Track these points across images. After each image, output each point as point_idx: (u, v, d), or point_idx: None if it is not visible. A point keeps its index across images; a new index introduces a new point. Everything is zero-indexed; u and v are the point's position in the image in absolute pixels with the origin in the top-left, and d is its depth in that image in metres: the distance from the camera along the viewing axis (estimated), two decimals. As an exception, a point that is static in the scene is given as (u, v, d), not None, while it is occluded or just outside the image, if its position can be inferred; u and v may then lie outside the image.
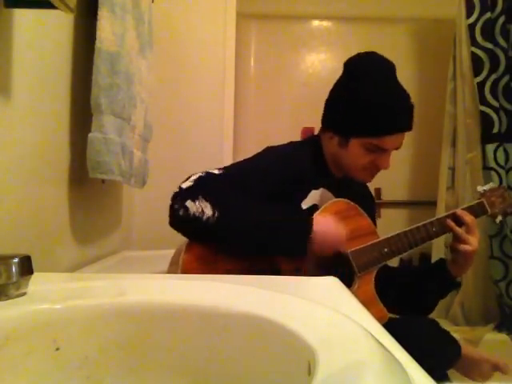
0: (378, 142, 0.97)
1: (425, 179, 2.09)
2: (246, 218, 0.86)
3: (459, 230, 1.00)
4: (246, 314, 0.40)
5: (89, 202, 1.17)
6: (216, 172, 0.91)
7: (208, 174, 0.90)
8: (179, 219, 0.85)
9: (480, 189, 1.14)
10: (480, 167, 1.71)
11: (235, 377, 0.41)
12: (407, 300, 1.11)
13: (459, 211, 1.04)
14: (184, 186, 0.87)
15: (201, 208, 0.83)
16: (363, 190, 1.18)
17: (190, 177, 0.89)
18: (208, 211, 0.82)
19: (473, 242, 0.99)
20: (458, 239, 1.01)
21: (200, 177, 0.89)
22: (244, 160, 0.99)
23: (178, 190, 0.87)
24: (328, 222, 0.91)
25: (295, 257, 0.90)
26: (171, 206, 0.86)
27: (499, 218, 1.13)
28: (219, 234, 0.86)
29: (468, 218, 1.01)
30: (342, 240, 0.91)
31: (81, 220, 1.10)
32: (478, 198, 1.12)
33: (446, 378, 1.02)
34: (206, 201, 0.83)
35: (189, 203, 0.83)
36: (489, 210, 1.10)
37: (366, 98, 0.97)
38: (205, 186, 0.87)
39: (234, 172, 0.93)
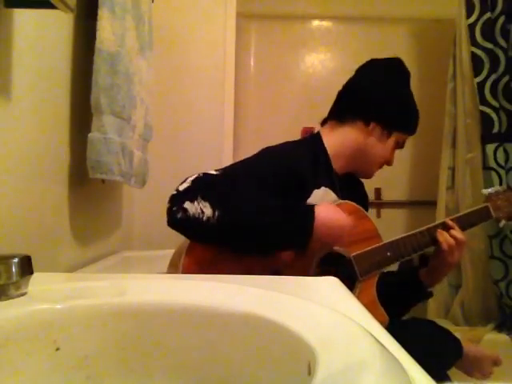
0: (405, 139, 1.10)
1: (425, 179, 2.09)
2: (246, 215, 0.84)
3: (450, 240, 1.01)
4: (246, 314, 0.40)
5: (89, 202, 1.17)
6: (213, 173, 0.90)
7: (205, 175, 0.89)
8: (178, 221, 0.83)
9: (485, 191, 1.12)
10: (480, 167, 1.71)
11: (235, 377, 0.41)
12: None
13: (451, 223, 1.04)
14: (181, 187, 0.85)
15: (200, 208, 0.81)
16: (361, 189, 1.18)
17: (186, 179, 0.88)
18: (208, 211, 0.81)
19: (457, 255, 1.02)
20: (444, 249, 1.01)
21: (197, 177, 0.87)
22: (242, 161, 0.98)
23: (174, 192, 0.86)
24: (331, 211, 0.88)
25: (297, 247, 0.88)
26: (169, 209, 0.84)
27: (503, 222, 1.10)
28: (220, 232, 0.84)
29: (461, 236, 1.02)
30: (345, 229, 0.88)
31: (81, 220, 1.10)
32: (483, 201, 1.10)
33: (447, 378, 1.02)
34: (205, 201, 0.82)
35: (187, 204, 0.82)
36: (493, 214, 1.08)
37: (410, 98, 1.09)
38: (203, 186, 0.86)
39: (231, 173, 0.92)
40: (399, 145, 1.09)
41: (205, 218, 0.81)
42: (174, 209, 0.83)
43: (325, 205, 0.89)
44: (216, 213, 0.81)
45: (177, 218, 0.83)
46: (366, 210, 1.08)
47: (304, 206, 0.90)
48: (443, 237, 1.01)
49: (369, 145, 1.05)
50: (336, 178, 1.04)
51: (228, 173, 0.91)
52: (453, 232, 1.01)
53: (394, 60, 1.11)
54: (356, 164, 1.08)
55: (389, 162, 1.10)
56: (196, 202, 0.82)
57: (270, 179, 0.92)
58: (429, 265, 1.07)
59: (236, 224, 0.84)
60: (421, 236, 1.02)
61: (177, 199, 0.84)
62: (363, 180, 1.19)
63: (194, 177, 0.87)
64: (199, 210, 0.82)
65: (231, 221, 0.83)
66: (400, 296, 1.09)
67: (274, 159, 0.97)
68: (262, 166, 0.96)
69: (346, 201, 0.99)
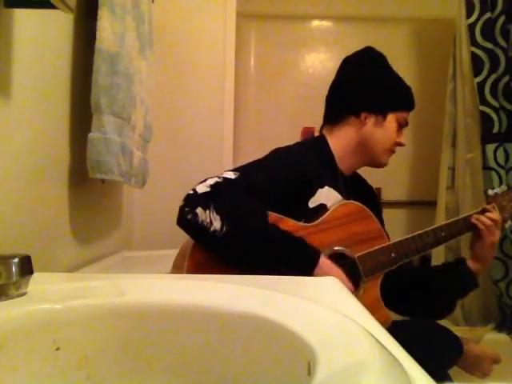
0: (406, 116, 1.08)
1: (425, 179, 2.09)
2: (251, 243, 0.84)
3: (488, 221, 1.03)
4: (246, 314, 0.40)
5: (89, 202, 1.17)
6: (232, 177, 0.89)
7: (225, 181, 0.88)
8: (186, 222, 0.84)
9: (491, 192, 1.12)
10: (480, 167, 1.70)
11: (235, 377, 0.41)
12: (422, 302, 1.11)
13: (489, 207, 1.07)
14: (199, 190, 0.86)
15: (209, 219, 0.82)
16: (368, 190, 1.18)
17: (206, 180, 0.88)
18: (216, 224, 0.82)
19: (497, 234, 1.04)
20: (482, 231, 1.03)
21: (217, 183, 0.87)
22: (256, 162, 0.97)
23: (191, 192, 0.86)
24: (331, 267, 0.88)
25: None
26: (182, 207, 0.85)
27: (509, 223, 1.10)
28: (222, 248, 0.85)
29: (496, 217, 1.04)
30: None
31: (81, 220, 1.10)
32: (487, 202, 1.10)
33: (448, 378, 1.02)
34: (217, 213, 0.82)
35: (199, 210, 0.83)
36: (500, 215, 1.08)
37: (389, 76, 1.09)
38: (220, 195, 0.86)
39: (247, 177, 0.91)
40: (402, 124, 1.07)
41: (212, 229, 0.82)
42: (187, 209, 0.84)
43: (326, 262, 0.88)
44: (224, 229, 0.82)
45: (186, 219, 0.84)
46: (380, 214, 1.08)
47: (309, 253, 0.88)
48: (480, 220, 1.04)
49: (366, 134, 1.05)
50: (341, 178, 1.05)
51: (245, 177, 0.90)
52: (488, 214, 1.04)
53: (363, 50, 1.13)
54: (364, 157, 1.08)
55: (400, 143, 1.08)
56: (208, 211, 0.82)
57: (282, 182, 0.92)
58: (471, 254, 1.07)
59: (237, 249, 0.84)
60: (425, 236, 1.02)
61: (192, 200, 0.85)
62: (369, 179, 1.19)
63: (214, 181, 0.87)
64: (208, 220, 0.82)
65: (234, 244, 0.84)
66: (450, 289, 1.09)
67: (286, 162, 0.97)
68: (275, 169, 0.96)
69: (351, 200, 0.99)
